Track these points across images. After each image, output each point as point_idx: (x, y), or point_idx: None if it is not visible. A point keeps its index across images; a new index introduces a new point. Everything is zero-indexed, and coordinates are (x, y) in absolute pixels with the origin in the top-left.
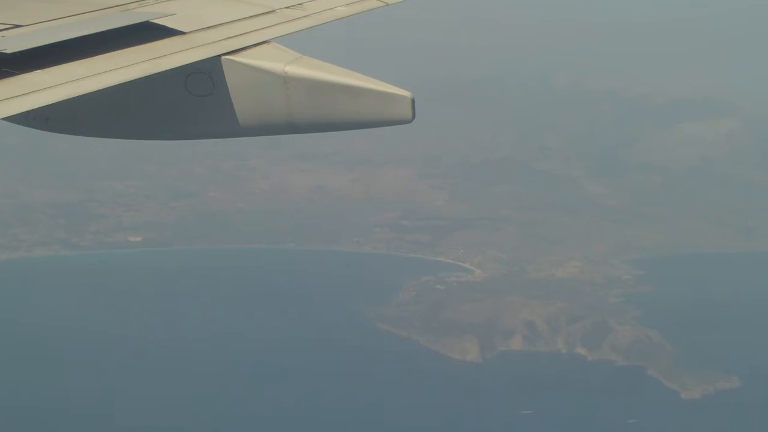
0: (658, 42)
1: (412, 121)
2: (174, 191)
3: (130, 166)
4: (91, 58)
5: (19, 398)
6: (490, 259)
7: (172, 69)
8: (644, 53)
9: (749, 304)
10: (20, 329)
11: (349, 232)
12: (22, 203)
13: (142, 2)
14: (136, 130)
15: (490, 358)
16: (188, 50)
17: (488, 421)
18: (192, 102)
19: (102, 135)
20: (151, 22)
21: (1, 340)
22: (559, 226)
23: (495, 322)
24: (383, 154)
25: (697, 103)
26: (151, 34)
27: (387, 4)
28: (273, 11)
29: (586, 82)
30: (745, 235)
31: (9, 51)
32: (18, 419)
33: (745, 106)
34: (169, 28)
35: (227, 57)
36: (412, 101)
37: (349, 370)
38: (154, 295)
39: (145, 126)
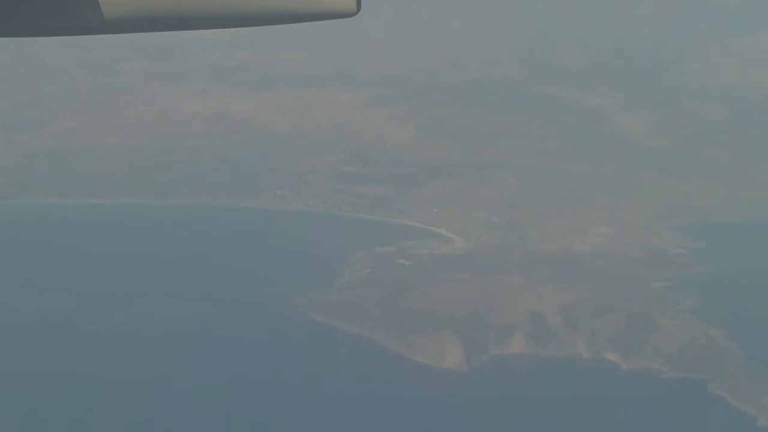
0: None
1: (356, 13)
2: (12, 120)
3: None
4: None
5: None
6: (476, 222)
7: None
8: None
9: None
10: None
11: (268, 182)
12: None
13: None
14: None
15: (478, 366)
16: None
17: None
18: None
19: None
20: None
21: None
22: (577, 177)
23: (485, 314)
24: (318, 69)
25: None
26: None
27: None
28: None
29: None
30: None
31: None
32: None
33: None
34: None
35: None
36: None
37: (267, 382)
38: None
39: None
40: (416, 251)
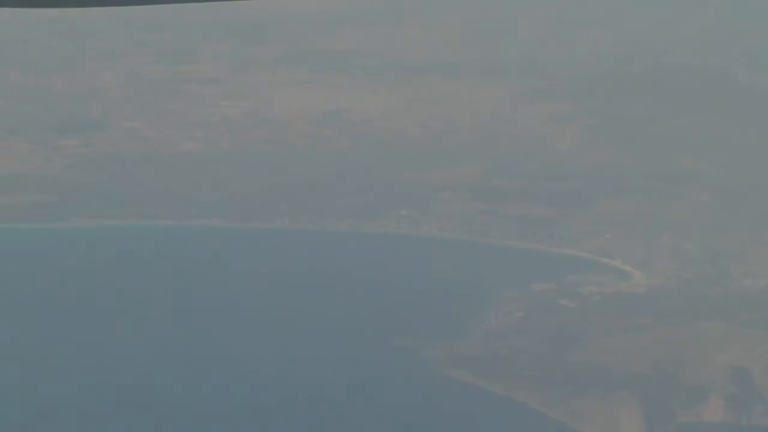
0: None
1: None
2: (61, 119)
3: None
4: None
5: None
6: (662, 251)
7: None
8: None
9: None
10: None
11: (392, 200)
12: None
13: None
14: None
15: None
16: None
17: None
18: None
19: None
20: None
21: None
22: None
23: (672, 372)
24: (454, 55)
25: None
26: None
27: None
28: None
29: None
30: None
31: None
32: None
33: None
34: None
35: None
36: None
37: None
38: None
39: None
40: (583, 289)
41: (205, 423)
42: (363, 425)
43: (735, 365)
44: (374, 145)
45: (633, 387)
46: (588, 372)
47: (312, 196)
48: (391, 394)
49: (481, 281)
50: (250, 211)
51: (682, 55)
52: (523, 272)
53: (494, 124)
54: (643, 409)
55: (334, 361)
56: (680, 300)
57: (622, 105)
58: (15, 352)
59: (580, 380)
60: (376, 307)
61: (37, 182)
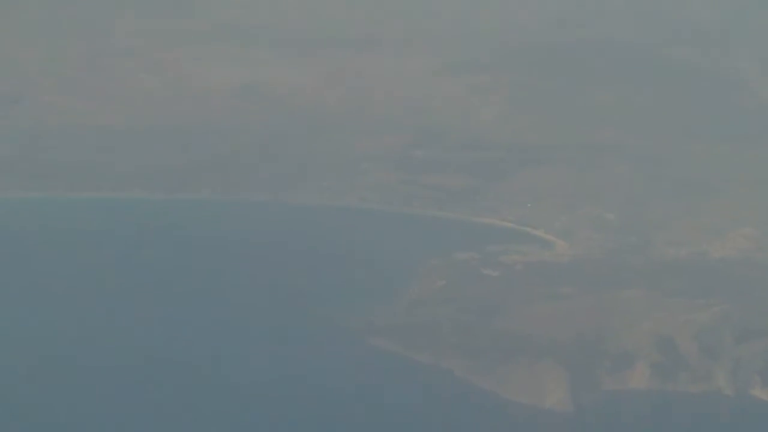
0: None
1: None
2: None
3: None
4: None
5: None
6: (584, 221)
7: None
8: None
9: None
10: None
11: (314, 171)
12: None
13: None
14: None
15: (590, 406)
16: None
17: None
18: None
19: None
20: None
21: None
22: (713, 164)
23: (597, 339)
24: (375, 28)
25: None
26: None
27: None
28: None
29: None
30: None
31: None
32: None
33: None
34: None
35: None
36: None
37: (317, 417)
38: None
39: None
40: (506, 258)
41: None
42: (290, 397)
43: (660, 333)
44: (295, 118)
45: (558, 355)
46: (513, 340)
47: (234, 168)
48: (315, 363)
49: (404, 251)
50: (172, 183)
51: (602, 29)
52: (445, 242)
53: (415, 96)
54: (569, 377)
55: (258, 333)
56: (604, 269)
57: (543, 77)
58: None
59: (505, 348)
60: (299, 277)
61: None
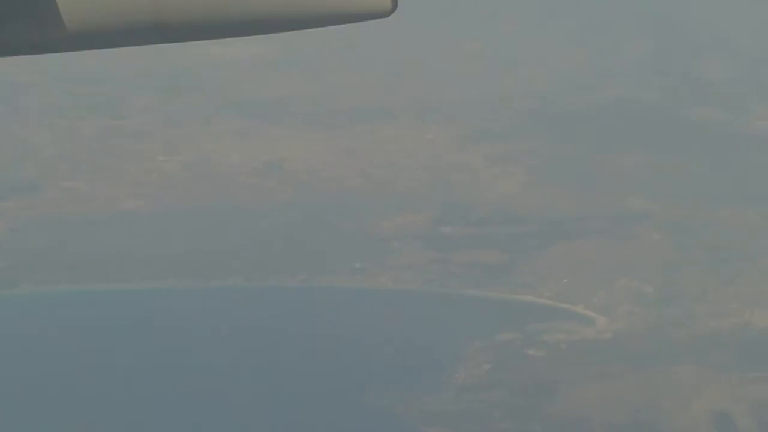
0: None
1: (391, 13)
2: None
3: None
4: None
5: None
6: (623, 294)
7: None
8: None
9: None
10: None
11: (343, 252)
12: None
13: None
14: None
15: None
16: None
17: None
18: None
19: None
20: None
21: None
22: (746, 229)
23: (653, 420)
24: (389, 98)
25: None
26: None
27: None
28: None
29: None
30: None
31: None
32: None
33: None
34: None
35: None
36: None
37: None
38: None
39: None
40: (549, 337)
41: None
42: None
43: (715, 410)
44: (319, 197)
45: None
46: (567, 424)
47: (261, 251)
48: None
49: (445, 334)
50: (198, 270)
51: (617, 90)
52: (485, 322)
53: (435, 169)
54: None
55: (309, 425)
56: (649, 345)
57: (562, 144)
58: None
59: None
60: (343, 366)
61: None
